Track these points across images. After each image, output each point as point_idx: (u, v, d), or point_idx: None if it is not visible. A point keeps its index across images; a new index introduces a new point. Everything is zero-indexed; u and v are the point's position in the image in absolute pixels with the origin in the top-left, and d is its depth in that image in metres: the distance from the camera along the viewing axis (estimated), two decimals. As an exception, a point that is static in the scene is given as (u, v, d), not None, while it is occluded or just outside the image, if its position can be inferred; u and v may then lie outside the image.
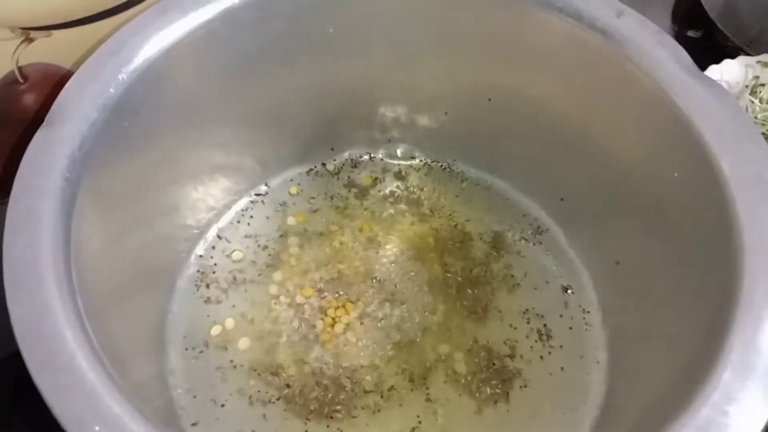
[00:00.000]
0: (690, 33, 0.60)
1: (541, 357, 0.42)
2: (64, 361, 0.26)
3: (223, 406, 0.40)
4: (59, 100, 0.32)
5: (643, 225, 0.39)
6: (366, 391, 0.40)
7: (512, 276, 0.45)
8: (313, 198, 0.48)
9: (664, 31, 0.37)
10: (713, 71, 0.51)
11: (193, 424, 0.39)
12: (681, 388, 0.28)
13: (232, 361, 0.41)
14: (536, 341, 0.42)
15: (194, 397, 0.40)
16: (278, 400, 0.40)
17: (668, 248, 0.37)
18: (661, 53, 0.36)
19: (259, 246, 0.46)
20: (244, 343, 0.42)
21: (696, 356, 0.30)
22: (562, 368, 0.42)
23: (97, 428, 0.24)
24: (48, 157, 0.31)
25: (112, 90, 0.33)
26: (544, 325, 0.43)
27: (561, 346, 0.42)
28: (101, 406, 0.25)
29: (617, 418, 0.37)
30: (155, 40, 0.35)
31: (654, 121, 0.36)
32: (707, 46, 0.58)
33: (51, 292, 0.28)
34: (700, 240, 0.34)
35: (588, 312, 0.44)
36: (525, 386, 0.41)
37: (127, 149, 0.35)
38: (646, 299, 0.39)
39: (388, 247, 0.46)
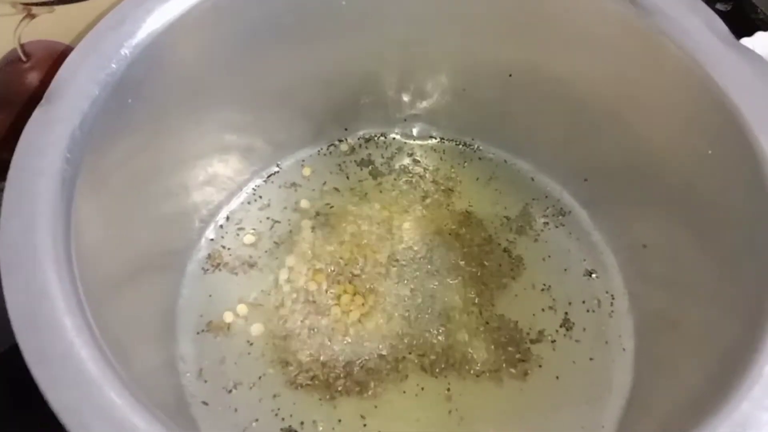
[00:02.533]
0: (719, 6, 0.58)
1: (565, 343, 0.40)
2: (62, 350, 0.25)
3: (233, 392, 0.38)
4: (59, 77, 0.31)
5: (674, 206, 0.37)
6: (381, 378, 0.39)
7: (534, 259, 0.43)
8: (326, 179, 0.47)
9: (696, 0, 0.35)
10: (745, 44, 0.48)
11: (204, 404, 0.38)
12: (717, 380, 0.27)
13: (244, 347, 0.40)
14: (559, 327, 0.41)
15: (205, 381, 0.39)
16: (290, 385, 0.39)
17: (700, 231, 0.35)
18: (693, 22, 0.34)
19: (271, 229, 0.44)
20: (256, 328, 0.41)
21: (733, 347, 0.28)
22: (586, 355, 0.40)
23: (93, 421, 0.23)
24: (47, 136, 0.30)
25: (114, 65, 0.32)
26: (568, 311, 0.41)
27: (585, 332, 0.41)
28: (101, 397, 0.24)
29: (646, 409, 0.36)
30: (159, 13, 0.33)
31: (686, 94, 0.34)
32: (737, 19, 0.56)
33: (49, 278, 0.26)
34: (735, 223, 0.32)
35: (613, 297, 0.42)
36: (547, 373, 0.39)
37: (131, 128, 0.34)
38: (676, 285, 0.37)
39: (404, 229, 0.44)
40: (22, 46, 0.37)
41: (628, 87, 0.38)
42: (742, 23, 0.54)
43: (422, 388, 0.39)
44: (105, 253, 0.32)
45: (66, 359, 0.25)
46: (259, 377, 0.39)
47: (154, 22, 0.33)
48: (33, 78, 0.38)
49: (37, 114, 0.30)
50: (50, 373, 0.24)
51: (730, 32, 0.33)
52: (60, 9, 0.36)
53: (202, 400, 0.38)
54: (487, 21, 0.41)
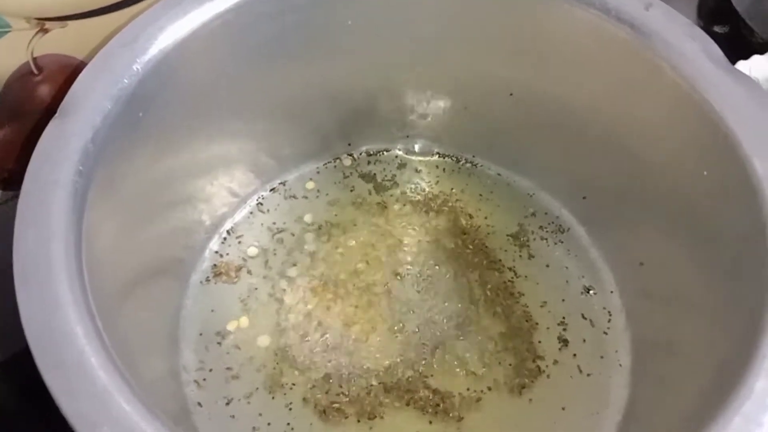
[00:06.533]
0: (716, 28, 0.59)
1: (562, 359, 0.41)
2: (74, 358, 0.25)
3: (231, 402, 0.39)
4: (72, 91, 0.32)
5: (670, 225, 0.38)
6: (382, 395, 0.39)
7: (533, 275, 0.44)
8: (329, 194, 0.47)
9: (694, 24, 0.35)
10: (741, 67, 0.49)
11: (204, 413, 0.38)
12: (711, 396, 0.27)
13: (244, 358, 0.40)
14: (557, 342, 0.41)
15: (207, 393, 0.39)
16: (292, 398, 0.39)
17: (697, 250, 0.35)
18: (690, 47, 0.34)
19: (274, 242, 0.45)
20: (257, 340, 0.41)
21: (727, 363, 0.28)
22: (583, 371, 0.40)
23: (105, 429, 0.24)
24: (60, 150, 0.30)
25: (126, 81, 0.33)
26: (565, 327, 0.42)
27: (582, 348, 0.41)
28: (112, 405, 0.25)
29: (643, 424, 0.36)
30: (170, 30, 0.34)
31: (683, 118, 0.35)
32: (734, 41, 0.57)
33: (62, 288, 0.27)
34: (730, 243, 0.33)
35: (611, 314, 0.42)
36: (545, 389, 0.40)
37: (142, 141, 0.35)
38: (673, 302, 0.38)
39: (406, 245, 0.45)
40: (34, 59, 0.38)
41: (627, 108, 0.39)
42: (739, 45, 0.55)
43: (422, 404, 0.39)
44: (113, 262, 0.33)
45: (78, 367, 0.25)
46: (258, 389, 0.39)
47: (165, 39, 0.34)
48: (44, 91, 0.38)
49: (51, 127, 0.31)
50: (63, 380, 0.25)
51: (725, 57, 0.34)
52: (72, 24, 0.37)
53: (204, 410, 0.38)
54: (490, 42, 0.41)
